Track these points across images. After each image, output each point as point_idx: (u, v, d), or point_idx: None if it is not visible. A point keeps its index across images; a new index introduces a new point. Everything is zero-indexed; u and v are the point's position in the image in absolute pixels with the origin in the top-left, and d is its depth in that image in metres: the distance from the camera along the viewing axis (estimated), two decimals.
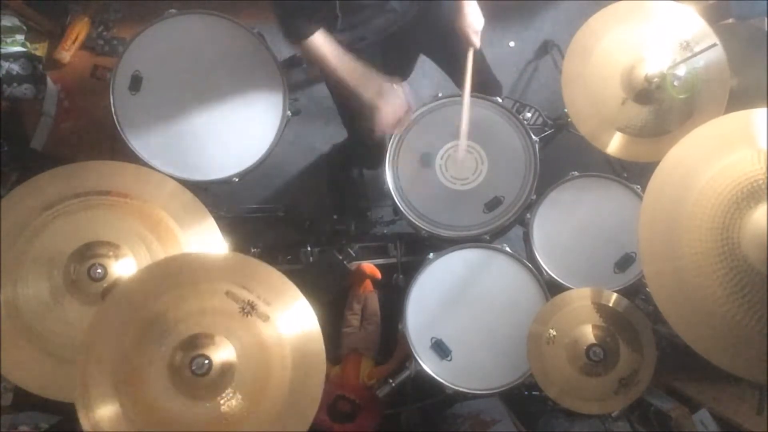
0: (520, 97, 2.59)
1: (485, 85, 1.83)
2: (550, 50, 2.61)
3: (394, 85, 1.51)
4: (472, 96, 1.75)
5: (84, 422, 1.10)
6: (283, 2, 1.48)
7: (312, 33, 1.44)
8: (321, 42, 1.46)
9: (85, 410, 1.10)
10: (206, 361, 1.13)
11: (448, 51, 1.88)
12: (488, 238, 1.76)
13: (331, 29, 1.50)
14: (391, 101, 1.50)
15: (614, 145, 1.72)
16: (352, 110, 1.91)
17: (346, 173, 2.38)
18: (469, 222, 1.74)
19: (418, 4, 1.68)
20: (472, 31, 1.62)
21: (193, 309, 1.20)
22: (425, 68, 2.46)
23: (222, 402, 1.16)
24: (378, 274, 2.02)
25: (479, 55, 1.88)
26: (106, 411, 1.12)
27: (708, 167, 1.27)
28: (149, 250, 1.42)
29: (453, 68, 1.95)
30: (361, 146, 2.03)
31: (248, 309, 1.19)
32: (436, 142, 1.77)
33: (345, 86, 1.50)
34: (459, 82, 1.93)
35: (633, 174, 1.91)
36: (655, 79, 1.62)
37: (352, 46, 1.60)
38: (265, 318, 1.19)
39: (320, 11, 1.48)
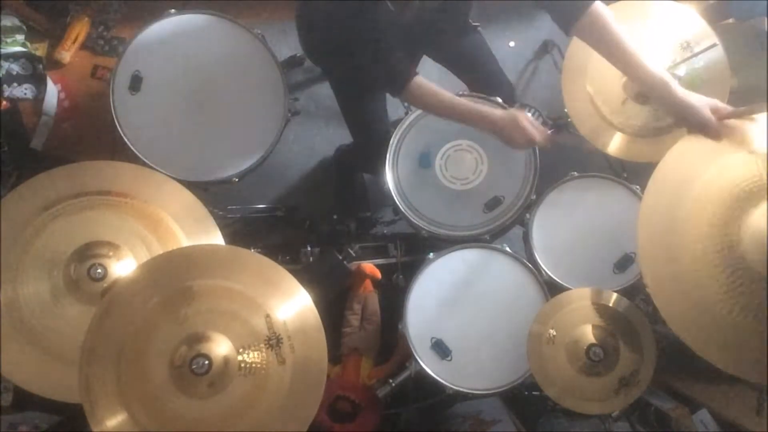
0: (520, 97, 2.59)
1: (495, 87, 1.82)
2: (550, 50, 2.61)
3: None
4: (472, 96, 1.76)
5: (94, 424, 1.10)
6: (380, 54, 1.45)
7: (410, 79, 1.44)
8: (420, 84, 1.46)
9: (93, 410, 1.11)
10: (206, 361, 1.14)
11: (454, 51, 1.87)
12: (488, 238, 1.76)
13: None
14: (520, 113, 1.48)
15: (614, 145, 1.72)
16: (358, 114, 1.91)
17: (352, 177, 2.37)
18: (469, 222, 1.74)
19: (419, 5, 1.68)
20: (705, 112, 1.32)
21: (195, 307, 1.19)
22: (425, 69, 2.45)
23: (222, 401, 1.16)
24: (378, 274, 2.01)
25: (491, 58, 1.88)
26: (112, 411, 1.12)
27: (707, 167, 1.27)
28: (149, 250, 1.43)
29: (459, 67, 1.94)
30: (365, 151, 2.03)
31: (274, 342, 1.18)
32: (436, 142, 1.77)
33: (468, 118, 1.49)
34: (466, 81, 1.92)
35: (633, 174, 1.91)
36: None
37: None
38: (282, 361, 1.18)
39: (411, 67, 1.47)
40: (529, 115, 1.49)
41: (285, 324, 1.20)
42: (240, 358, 1.17)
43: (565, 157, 2.06)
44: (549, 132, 1.52)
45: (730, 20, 2.03)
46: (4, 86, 2.07)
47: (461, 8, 1.69)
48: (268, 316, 1.19)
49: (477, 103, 1.49)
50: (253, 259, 1.25)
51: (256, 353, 1.18)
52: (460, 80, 1.95)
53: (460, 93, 1.78)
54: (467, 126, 1.56)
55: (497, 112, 1.48)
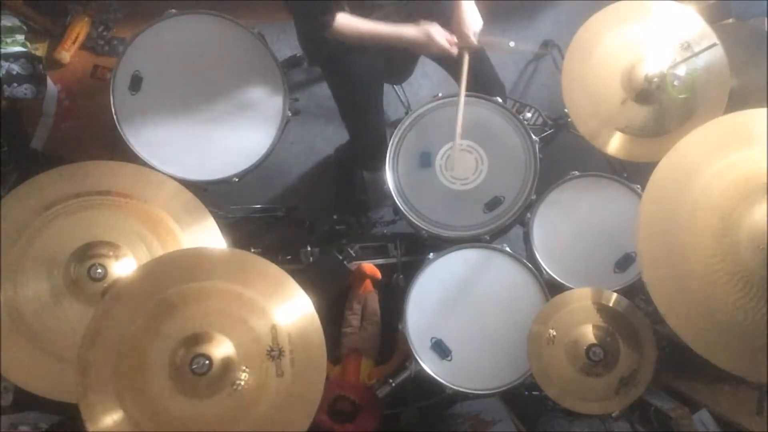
0: (520, 97, 2.59)
1: (488, 86, 1.83)
2: (550, 50, 2.60)
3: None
4: (472, 96, 1.75)
5: (89, 423, 1.10)
6: (299, 3, 1.56)
7: (333, 19, 1.55)
8: (345, 21, 1.58)
9: (89, 409, 1.10)
10: (206, 361, 1.14)
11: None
12: (488, 238, 1.76)
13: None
14: (432, 27, 1.62)
15: (614, 145, 1.72)
16: (355, 111, 1.91)
17: (352, 176, 2.37)
18: (469, 222, 1.74)
19: (416, 5, 1.68)
20: (469, 31, 1.66)
21: (197, 308, 1.20)
22: (425, 69, 2.47)
23: (221, 401, 1.16)
24: (378, 274, 2.01)
25: (482, 56, 1.88)
26: (108, 410, 1.12)
27: (708, 167, 1.27)
28: (149, 250, 1.43)
29: (455, 69, 1.94)
30: (362, 148, 2.03)
31: (276, 354, 1.18)
32: (436, 142, 1.76)
33: (389, 41, 1.63)
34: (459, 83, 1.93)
35: (633, 174, 1.91)
36: (655, 79, 1.62)
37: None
38: (280, 374, 1.18)
39: (332, 8, 1.54)
40: (438, 27, 1.63)
41: (288, 336, 1.20)
42: (240, 360, 1.17)
43: (565, 156, 2.07)
44: (468, 39, 1.66)
45: (730, 20, 2.03)
46: (4, 86, 2.07)
47: None
48: (273, 327, 1.19)
49: (396, 25, 1.62)
50: (259, 265, 1.25)
51: (256, 359, 1.18)
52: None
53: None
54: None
55: (411, 31, 1.62)
